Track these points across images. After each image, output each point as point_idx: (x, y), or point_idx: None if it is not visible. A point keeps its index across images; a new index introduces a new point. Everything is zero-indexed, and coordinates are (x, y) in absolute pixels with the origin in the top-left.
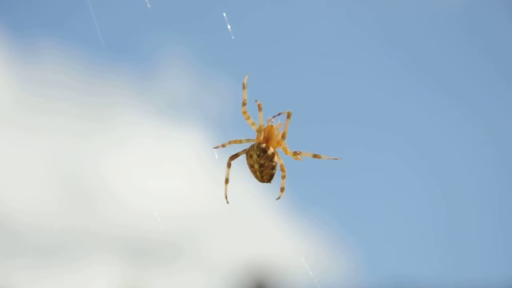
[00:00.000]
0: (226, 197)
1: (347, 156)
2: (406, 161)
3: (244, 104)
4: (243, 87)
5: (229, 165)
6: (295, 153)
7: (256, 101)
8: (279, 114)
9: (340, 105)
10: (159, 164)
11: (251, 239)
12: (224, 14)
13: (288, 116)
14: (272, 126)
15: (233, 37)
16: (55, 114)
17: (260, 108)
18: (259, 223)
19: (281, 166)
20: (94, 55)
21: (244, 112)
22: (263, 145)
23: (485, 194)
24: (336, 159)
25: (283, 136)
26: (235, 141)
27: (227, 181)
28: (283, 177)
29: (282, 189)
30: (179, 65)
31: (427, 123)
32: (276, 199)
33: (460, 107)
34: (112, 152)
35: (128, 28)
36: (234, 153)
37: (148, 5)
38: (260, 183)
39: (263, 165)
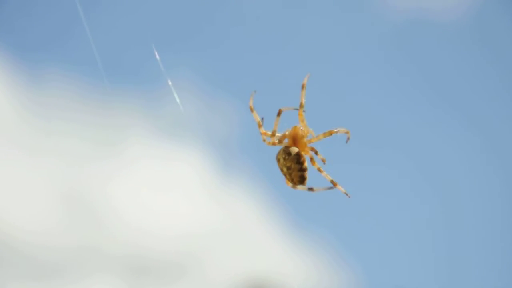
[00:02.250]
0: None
1: (348, 176)
2: (408, 176)
3: (260, 126)
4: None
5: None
6: (325, 134)
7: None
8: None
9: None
10: (163, 184)
11: (252, 256)
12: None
13: (303, 87)
14: (295, 126)
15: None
16: (59, 135)
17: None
18: (260, 240)
19: (318, 168)
20: (99, 78)
21: (263, 133)
22: (289, 148)
23: (487, 207)
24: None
25: (301, 105)
26: (268, 143)
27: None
28: (319, 169)
29: (333, 183)
30: (185, 87)
31: (424, 134)
32: (348, 196)
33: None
34: (116, 172)
35: (133, 50)
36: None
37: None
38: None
39: (290, 168)
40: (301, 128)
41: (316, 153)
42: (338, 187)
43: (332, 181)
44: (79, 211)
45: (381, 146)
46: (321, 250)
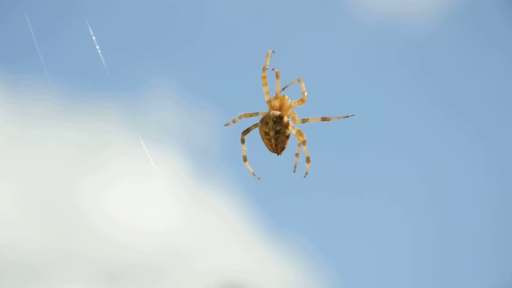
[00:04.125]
0: (254, 174)
1: (324, 176)
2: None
3: (264, 69)
4: (268, 55)
5: (243, 141)
6: (303, 120)
7: (273, 69)
8: (285, 87)
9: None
10: (140, 190)
11: (229, 260)
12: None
13: (300, 81)
14: (285, 96)
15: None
16: (38, 143)
17: (277, 76)
18: (236, 244)
19: (298, 132)
20: (79, 88)
21: (264, 77)
22: (279, 112)
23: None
24: (348, 116)
25: (303, 101)
26: (245, 115)
27: (245, 159)
28: (304, 142)
29: (308, 159)
30: (166, 95)
31: (403, 133)
32: (304, 176)
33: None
34: (95, 178)
35: (113, 57)
36: (246, 128)
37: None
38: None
39: (279, 132)
40: (290, 101)
41: (303, 142)
42: (308, 165)
43: (323, 118)
44: (57, 216)
45: (362, 147)
46: (297, 254)
